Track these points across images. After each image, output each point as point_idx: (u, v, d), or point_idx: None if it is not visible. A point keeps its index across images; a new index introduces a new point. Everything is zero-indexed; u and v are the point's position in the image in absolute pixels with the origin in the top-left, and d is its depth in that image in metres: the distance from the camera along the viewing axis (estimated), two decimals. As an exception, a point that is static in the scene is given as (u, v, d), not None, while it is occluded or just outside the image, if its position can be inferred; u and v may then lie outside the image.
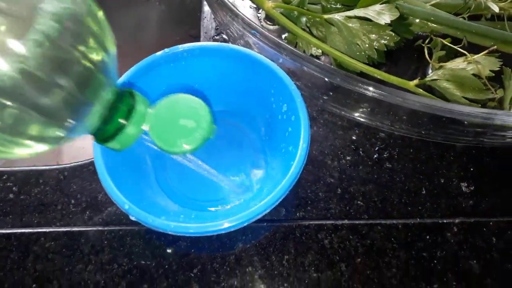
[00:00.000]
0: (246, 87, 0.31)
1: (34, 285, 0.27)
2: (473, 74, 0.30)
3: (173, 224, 0.24)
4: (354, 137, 0.33)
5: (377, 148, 0.32)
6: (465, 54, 0.30)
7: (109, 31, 0.19)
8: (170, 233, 0.24)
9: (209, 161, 0.31)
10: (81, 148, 0.49)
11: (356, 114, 0.32)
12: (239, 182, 0.29)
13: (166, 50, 0.29)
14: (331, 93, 0.31)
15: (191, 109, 0.21)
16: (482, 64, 0.30)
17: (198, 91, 0.31)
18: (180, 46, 0.29)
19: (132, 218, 0.24)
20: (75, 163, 0.32)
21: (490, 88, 0.30)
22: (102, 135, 0.20)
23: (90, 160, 0.32)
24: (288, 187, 0.25)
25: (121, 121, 0.20)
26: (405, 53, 0.37)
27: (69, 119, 0.17)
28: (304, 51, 0.34)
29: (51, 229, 0.28)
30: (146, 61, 0.29)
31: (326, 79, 0.29)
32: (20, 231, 0.28)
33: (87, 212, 0.30)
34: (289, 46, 0.29)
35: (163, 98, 0.22)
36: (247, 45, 0.33)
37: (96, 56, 0.17)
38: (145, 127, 0.21)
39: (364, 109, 0.31)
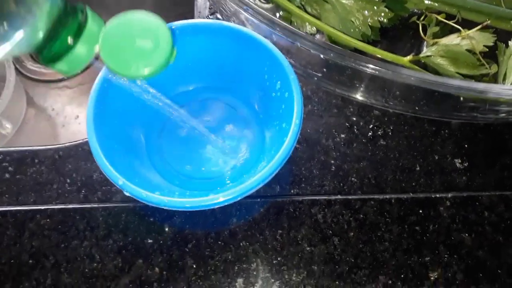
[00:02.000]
0: (239, 65, 0.31)
1: (30, 261, 0.27)
2: (468, 50, 0.30)
3: (168, 199, 0.24)
4: (348, 115, 0.33)
5: (371, 125, 0.32)
6: (459, 30, 0.30)
7: None
8: (165, 208, 0.24)
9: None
10: (78, 131, 0.49)
11: (350, 92, 0.32)
12: (233, 156, 0.30)
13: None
14: (324, 70, 0.31)
15: (149, 29, 0.19)
16: (476, 39, 0.29)
17: (192, 69, 0.31)
18: (172, 23, 0.29)
19: (127, 194, 0.24)
20: (70, 143, 0.32)
21: (484, 64, 0.30)
22: (49, 54, 0.18)
23: (85, 140, 0.32)
24: (281, 161, 0.25)
25: (69, 38, 0.18)
26: (401, 31, 0.36)
27: (5, 23, 0.16)
28: (298, 29, 0.34)
29: (46, 207, 0.29)
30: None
31: (321, 55, 0.29)
32: (16, 209, 0.29)
33: (83, 191, 0.30)
34: (282, 22, 0.29)
35: (116, 16, 0.20)
36: (240, 22, 0.33)
37: None
38: (97, 49, 0.19)
39: (358, 86, 0.31)
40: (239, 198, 0.24)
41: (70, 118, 0.50)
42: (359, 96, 0.32)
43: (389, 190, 0.29)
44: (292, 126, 0.26)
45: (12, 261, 0.27)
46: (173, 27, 0.29)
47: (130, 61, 0.19)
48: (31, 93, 0.50)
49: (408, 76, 0.26)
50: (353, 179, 0.30)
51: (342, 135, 0.32)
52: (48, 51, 0.18)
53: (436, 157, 0.31)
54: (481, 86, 0.26)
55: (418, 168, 0.31)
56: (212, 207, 0.24)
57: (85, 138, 0.33)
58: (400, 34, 0.37)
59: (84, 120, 0.45)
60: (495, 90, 0.25)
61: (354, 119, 0.33)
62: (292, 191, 0.29)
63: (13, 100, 0.43)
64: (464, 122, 0.32)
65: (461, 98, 0.30)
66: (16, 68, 0.49)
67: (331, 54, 0.27)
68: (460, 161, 0.31)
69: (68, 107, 0.50)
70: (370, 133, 0.32)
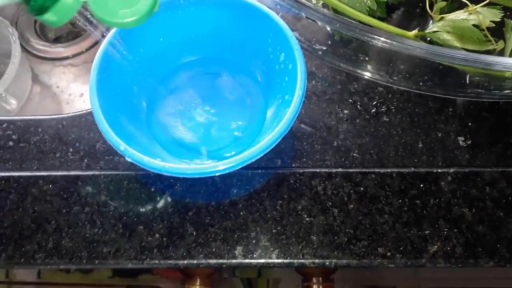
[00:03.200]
0: (243, 37, 0.31)
1: (32, 225, 0.27)
2: (474, 26, 0.29)
3: (168, 165, 0.24)
4: (352, 91, 0.33)
5: (375, 102, 0.32)
6: (467, 6, 0.30)
7: None
8: (166, 174, 0.24)
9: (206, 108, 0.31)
10: (82, 109, 0.49)
11: (355, 67, 0.32)
12: (235, 128, 0.30)
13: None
14: (329, 43, 0.30)
15: None
16: (483, 14, 0.29)
17: (195, 40, 0.31)
18: (177, -7, 0.29)
19: (128, 160, 0.25)
20: (74, 113, 0.32)
21: (491, 40, 0.29)
22: (36, 4, 0.19)
23: (88, 110, 0.33)
24: (283, 131, 0.25)
25: None
26: (408, 10, 0.36)
27: None
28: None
29: (48, 173, 0.29)
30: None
31: (327, 27, 0.28)
32: (19, 174, 0.29)
33: (85, 160, 0.30)
34: (287, -7, 0.28)
35: None
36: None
37: None
38: None
39: (363, 60, 0.31)
40: (239, 167, 0.24)
41: (75, 96, 0.50)
42: (363, 72, 0.32)
43: (391, 165, 0.29)
44: (295, 97, 0.26)
45: (15, 224, 0.27)
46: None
47: (116, 9, 0.20)
48: (36, 71, 0.51)
49: (414, 47, 0.26)
50: (355, 154, 0.30)
51: (345, 111, 0.32)
52: (35, 1, 0.18)
53: (439, 135, 0.31)
54: (488, 58, 0.25)
55: (420, 145, 0.30)
56: (212, 175, 0.24)
57: (89, 109, 0.33)
58: (407, 13, 0.36)
59: (88, 98, 0.45)
60: (502, 62, 0.25)
61: (358, 95, 0.32)
62: (293, 165, 0.29)
63: (18, 76, 0.44)
64: (469, 101, 0.32)
65: (468, 76, 0.30)
66: (21, 45, 0.50)
67: (337, 25, 0.27)
68: (463, 138, 0.31)
69: (72, 84, 0.50)
70: (373, 110, 0.32)
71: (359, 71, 0.32)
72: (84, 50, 0.51)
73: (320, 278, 0.39)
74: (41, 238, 0.27)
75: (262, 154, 0.24)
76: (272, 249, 0.26)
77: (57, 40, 0.54)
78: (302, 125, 0.31)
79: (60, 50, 0.51)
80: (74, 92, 0.50)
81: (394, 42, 0.26)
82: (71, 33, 0.54)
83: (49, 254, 0.26)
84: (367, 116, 0.32)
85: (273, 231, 0.27)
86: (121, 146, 0.24)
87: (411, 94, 0.32)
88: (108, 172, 0.29)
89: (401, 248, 0.26)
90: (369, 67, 0.31)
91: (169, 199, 0.28)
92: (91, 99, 0.26)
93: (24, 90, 0.48)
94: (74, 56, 0.51)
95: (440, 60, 0.26)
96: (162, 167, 0.24)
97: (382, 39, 0.26)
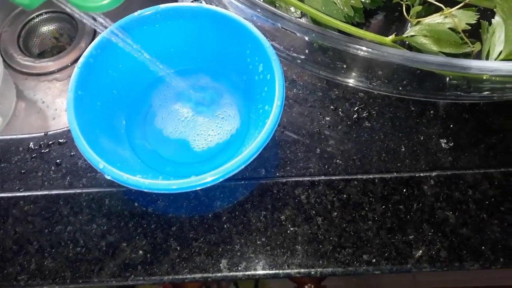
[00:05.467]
0: (223, 49, 0.31)
1: (14, 247, 0.27)
2: (451, 29, 0.30)
3: (148, 181, 0.24)
4: (333, 98, 0.33)
5: (356, 108, 0.32)
6: (442, 10, 0.30)
7: None
8: (148, 191, 0.24)
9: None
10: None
11: (334, 74, 0.32)
12: (219, 139, 0.30)
13: (138, 12, 0.29)
14: (307, 52, 0.30)
15: None
16: (459, 17, 0.29)
17: (175, 52, 0.31)
18: (153, 7, 0.29)
19: (108, 177, 0.24)
20: (54, 131, 0.32)
21: (467, 42, 0.29)
22: None
23: (68, 128, 0.32)
24: (263, 141, 0.25)
25: None
26: (386, 15, 0.36)
27: None
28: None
29: (29, 193, 0.29)
30: (120, 23, 0.28)
31: (305, 37, 0.28)
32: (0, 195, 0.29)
33: (68, 178, 0.30)
34: (262, 3, 0.28)
35: None
36: (223, 6, 0.32)
37: None
38: None
39: (341, 67, 0.31)
40: (220, 180, 0.24)
41: (61, 111, 0.50)
42: (343, 78, 0.32)
43: (374, 171, 0.29)
44: (274, 107, 0.26)
45: (-4, 247, 0.27)
46: (153, 11, 0.29)
47: None
48: (21, 87, 0.50)
49: (390, 54, 0.26)
50: (338, 161, 0.30)
51: (327, 118, 0.32)
52: None
53: (422, 138, 0.31)
54: (464, 62, 0.26)
55: (403, 149, 0.31)
56: (193, 189, 0.24)
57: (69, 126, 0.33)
58: (385, 18, 0.36)
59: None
60: (478, 65, 0.25)
61: (339, 101, 0.33)
62: (277, 174, 0.29)
63: (2, 93, 0.43)
64: (450, 103, 0.32)
65: (447, 79, 0.30)
66: (5, 62, 0.49)
67: (313, 35, 0.27)
68: (445, 141, 0.31)
69: (58, 99, 0.50)
70: (355, 116, 0.32)
71: (339, 78, 0.32)
72: (69, 64, 0.51)
73: (312, 286, 0.39)
74: (23, 260, 0.27)
75: (241, 168, 0.24)
76: (257, 260, 0.26)
77: (41, 55, 0.53)
78: (285, 133, 0.31)
79: (44, 65, 0.51)
80: (60, 107, 0.50)
81: (370, 50, 0.26)
82: (55, 47, 0.54)
83: (32, 275, 0.26)
84: (349, 122, 0.32)
85: (258, 242, 0.27)
86: (100, 164, 0.24)
87: (392, 99, 0.32)
88: (90, 190, 0.29)
89: (386, 254, 0.26)
90: (348, 74, 0.31)
91: (152, 215, 0.28)
92: (69, 117, 0.26)
93: (9, 107, 0.48)
94: (59, 70, 0.50)
95: (416, 66, 0.26)
96: (142, 183, 0.24)
97: (358, 47, 0.26)
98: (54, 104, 0.50)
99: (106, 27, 0.25)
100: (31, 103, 0.50)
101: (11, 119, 0.48)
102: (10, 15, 0.53)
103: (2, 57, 0.46)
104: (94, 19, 0.24)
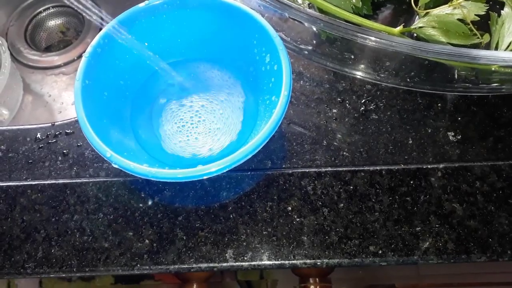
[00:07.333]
0: (229, 39, 0.30)
1: (22, 235, 0.27)
2: (460, 20, 0.29)
3: (155, 170, 0.24)
4: (340, 90, 0.33)
5: (363, 100, 0.32)
6: (451, 0, 0.30)
7: None
8: (155, 180, 0.24)
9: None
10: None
11: (342, 65, 0.32)
12: (227, 130, 0.30)
13: (146, 2, 0.29)
14: (315, 42, 0.30)
15: None
16: (468, 8, 0.29)
17: (181, 45, 0.31)
18: (162, -3, 0.29)
19: (115, 166, 0.24)
20: (61, 121, 0.32)
21: (476, 33, 0.29)
22: None
23: (76, 118, 0.32)
24: (270, 132, 0.25)
25: None
26: (395, 4, 0.36)
27: None
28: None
29: (37, 182, 0.29)
30: (126, 14, 0.29)
31: (314, 27, 0.28)
32: (7, 184, 0.29)
33: (75, 168, 0.30)
34: (270, -6, 0.28)
35: None
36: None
37: None
38: None
39: (349, 58, 0.30)
40: (226, 170, 0.24)
41: (67, 104, 0.50)
42: (350, 70, 0.32)
43: (381, 163, 0.29)
44: (281, 97, 0.26)
45: (4, 235, 0.27)
46: (161, 1, 0.29)
47: None
48: (28, 80, 0.51)
49: (399, 43, 0.26)
50: (344, 153, 0.30)
51: (334, 110, 0.32)
52: None
53: (429, 130, 0.31)
54: (473, 52, 0.25)
55: (410, 142, 0.30)
56: (199, 178, 0.24)
57: (76, 117, 0.33)
58: (394, 9, 0.36)
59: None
60: (487, 56, 0.25)
61: (346, 94, 0.32)
62: (283, 165, 0.29)
63: (9, 86, 0.44)
64: (458, 96, 0.32)
65: (455, 71, 0.29)
66: (12, 56, 0.50)
67: (321, 24, 0.27)
68: (453, 133, 0.31)
69: (64, 93, 0.50)
70: (362, 108, 0.32)
71: (346, 70, 0.32)
72: (75, 58, 0.51)
73: (317, 279, 0.39)
74: (31, 248, 0.27)
75: (247, 158, 0.24)
76: (263, 251, 0.26)
77: (48, 49, 0.54)
78: (292, 126, 0.31)
79: (51, 59, 0.51)
80: (66, 100, 0.50)
81: (379, 39, 0.26)
82: (62, 41, 0.54)
83: (39, 264, 0.26)
84: (356, 115, 0.32)
85: (264, 232, 0.27)
86: (107, 152, 0.24)
87: (399, 91, 0.32)
88: (97, 179, 0.29)
89: (393, 246, 0.26)
90: (356, 65, 0.31)
91: (158, 205, 0.28)
92: (76, 106, 0.26)
93: (15, 100, 0.48)
94: (65, 64, 0.51)
95: (425, 56, 0.26)
96: (148, 172, 0.24)
97: (366, 36, 0.26)
98: (60, 98, 0.50)
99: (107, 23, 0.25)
100: (37, 97, 0.50)
101: (18, 112, 0.48)
102: (17, 9, 0.53)
103: (9, 50, 0.46)
104: (102, 18, 0.24)
